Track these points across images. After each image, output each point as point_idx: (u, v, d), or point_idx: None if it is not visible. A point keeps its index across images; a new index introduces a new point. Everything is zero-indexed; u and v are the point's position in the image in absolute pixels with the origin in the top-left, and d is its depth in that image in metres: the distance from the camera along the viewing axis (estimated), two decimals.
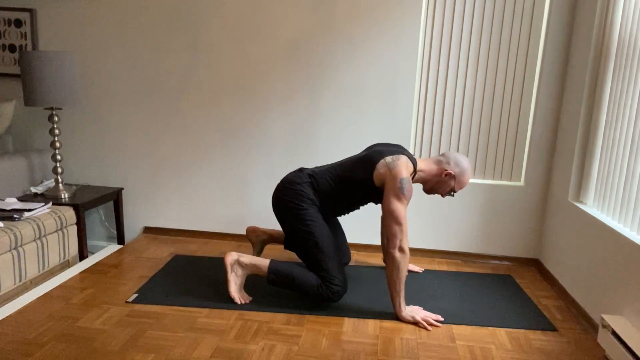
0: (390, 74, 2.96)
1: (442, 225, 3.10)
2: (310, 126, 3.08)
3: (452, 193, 2.39)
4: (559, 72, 2.86)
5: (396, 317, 2.29)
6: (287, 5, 2.96)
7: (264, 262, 2.34)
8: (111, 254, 2.95)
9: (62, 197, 2.91)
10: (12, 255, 2.39)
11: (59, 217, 2.67)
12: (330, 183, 2.37)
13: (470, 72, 2.93)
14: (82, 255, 2.90)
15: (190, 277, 2.64)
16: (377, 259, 3.04)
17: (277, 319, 2.24)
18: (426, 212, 3.09)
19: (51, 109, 2.87)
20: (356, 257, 3.06)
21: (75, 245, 2.83)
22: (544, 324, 2.30)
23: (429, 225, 3.11)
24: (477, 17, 2.86)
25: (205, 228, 3.30)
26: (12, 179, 2.92)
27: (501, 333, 2.21)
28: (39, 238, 2.56)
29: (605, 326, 2.00)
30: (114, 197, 3.17)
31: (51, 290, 2.44)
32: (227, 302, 2.36)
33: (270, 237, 2.79)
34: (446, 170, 2.35)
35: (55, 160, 2.92)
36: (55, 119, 2.89)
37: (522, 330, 2.24)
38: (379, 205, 3.05)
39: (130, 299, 2.36)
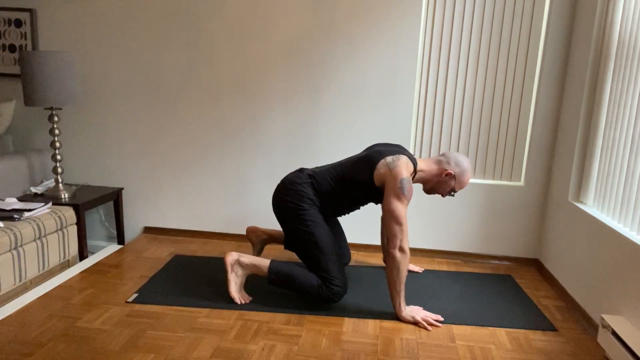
0: (390, 74, 2.96)
1: (442, 225, 3.10)
2: (310, 126, 3.08)
3: (453, 193, 2.40)
4: (559, 72, 2.86)
5: (396, 317, 2.29)
6: (287, 5, 2.96)
7: (264, 262, 2.34)
8: (111, 254, 2.95)
9: (62, 197, 2.91)
10: (12, 255, 2.39)
11: (59, 217, 2.67)
12: (331, 183, 2.37)
13: (470, 72, 2.93)
14: (82, 255, 2.90)
15: (190, 277, 2.64)
16: (377, 259, 3.04)
17: (277, 319, 2.24)
18: (426, 212, 3.09)
19: (51, 109, 2.87)
20: (356, 257, 3.06)
21: (75, 245, 2.83)
22: (544, 324, 2.30)
23: (429, 225, 3.11)
24: (477, 17, 2.86)
25: (205, 228, 3.30)
26: (12, 179, 2.92)
27: (501, 333, 2.21)
28: (39, 238, 2.56)
29: (605, 326, 2.00)
30: (114, 197, 3.17)
31: (51, 290, 2.44)
32: (227, 302, 2.36)
33: (270, 237, 2.79)
34: (446, 170, 2.35)
35: (55, 160, 2.92)
36: (55, 119, 2.89)
37: (522, 330, 2.24)
38: (379, 205, 3.05)
39: (130, 299, 2.36)
